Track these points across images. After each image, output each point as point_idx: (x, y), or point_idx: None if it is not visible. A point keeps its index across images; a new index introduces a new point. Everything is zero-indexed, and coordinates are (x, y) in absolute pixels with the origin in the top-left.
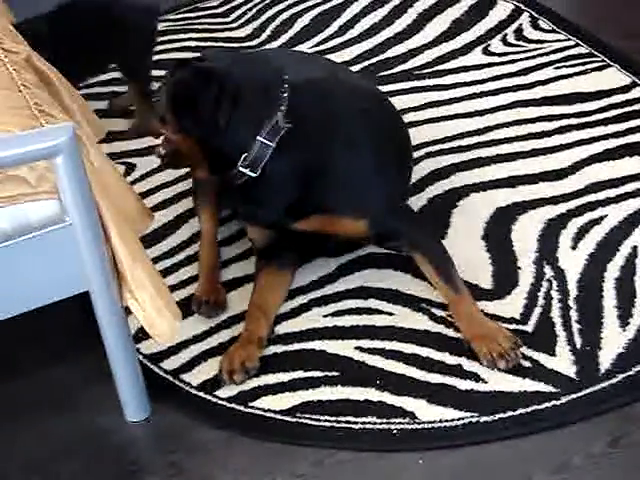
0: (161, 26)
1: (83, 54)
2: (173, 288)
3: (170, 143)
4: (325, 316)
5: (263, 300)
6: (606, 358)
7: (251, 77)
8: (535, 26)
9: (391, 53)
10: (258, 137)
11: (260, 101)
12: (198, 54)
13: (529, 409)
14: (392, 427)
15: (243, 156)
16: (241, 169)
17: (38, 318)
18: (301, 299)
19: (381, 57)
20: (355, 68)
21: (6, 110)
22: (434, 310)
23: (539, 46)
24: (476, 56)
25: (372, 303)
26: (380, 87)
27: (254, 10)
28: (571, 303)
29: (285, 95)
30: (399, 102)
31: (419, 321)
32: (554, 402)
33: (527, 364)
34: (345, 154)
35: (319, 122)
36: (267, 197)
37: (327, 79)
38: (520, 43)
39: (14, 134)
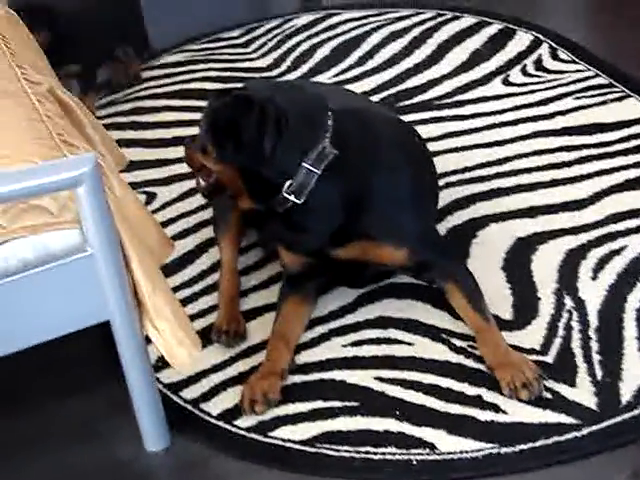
0: (182, 56)
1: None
2: (193, 317)
3: (210, 174)
4: (345, 346)
5: (286, 330)
6: (627, 389)
7: (295, 103)
8: (554, 57)
9: (411, 83)
10: (304, 163)
11: (305, 127)
12: (225, 84)
13: (550, 441)
14: (412, 458)
15: (288, 183)
16: (286, 196)
17: (58, 347)
18: (321, 329)
19: (401, 87)
20: (375, 98)
21: (30, 140)
22: (454, 340)
23: (559, 77)
24: (496, 86)
25: (392, 333)
26: (400, 117)
27: (274, 40)
28: (591, 334)
29: (330, 122)
30: (420, 132)
31: (439, 351)
32: (575, 434)
33: (548, 395)
34: (387, 182)
35: (362, 149)
36: (311, 224)
37: (362, 108)
38: (539, 74)
39: (37, 164)
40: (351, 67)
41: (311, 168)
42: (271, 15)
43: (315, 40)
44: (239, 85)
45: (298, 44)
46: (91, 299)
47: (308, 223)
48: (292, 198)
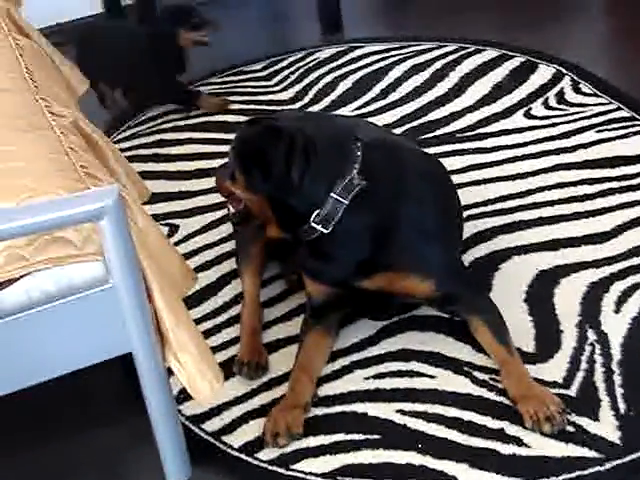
0: (206, 89)
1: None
2: (215, 349)
3: (239, 202)
4: (367, 378)
5: (309, 362)
6: None
7: (323, 134)
8: (576, 90)
9: (433, 116)
10: (332, 193)
11: (334, 157)
12: (247, 117)
13: (573, 475)
14: None
15: (316, 212)
16: (314, 225)
17: (81, 379)
18: (342, 361)
19: (423, 120)
20: (397, 131)
21: (54, 173)
22: (476, 373)
23: (581, 110)
24: (518, 119)
25: (414, 366)
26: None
27: (297, 73)
28: (614, 367)
29: (358, 152)
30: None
31: (461, 384)
32: (598, 468)
33: (570, 429)
34: (414, 213)
35: (390, 181)
36: (337, 253)
37: (388, 139)
38: (562, 107)
39: (61, 197)
40: (373, 100)
41: (339, 198)
42: (293, 48)
43: (337, 73)
44: (270, 114)
45: (320, 77)
46: (113, 331)
47: (334, 253)
48: (319, 227)
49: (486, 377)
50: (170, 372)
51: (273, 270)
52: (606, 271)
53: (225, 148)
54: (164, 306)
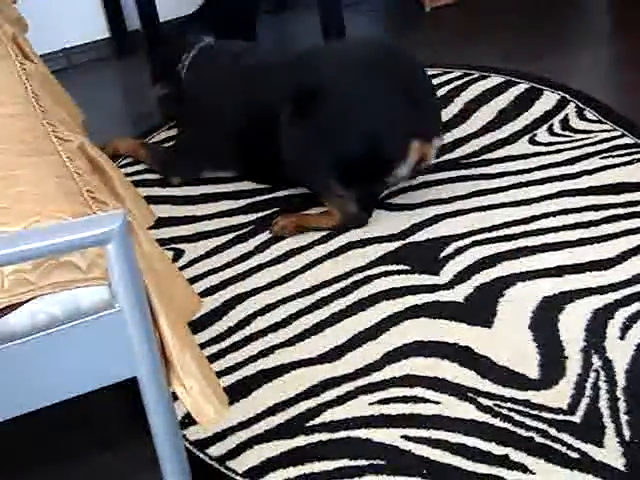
0: None
1: None
2: (220, 374)
3: None
4: (371, 404)
5: None
6: None
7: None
8: (581, 116)
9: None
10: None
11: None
12: None
13: None
14: None
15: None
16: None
17: (85, 403)
18: (347, 386)
19: None
20: None
21: (60, 197)
22: (481, 399)
23: (585, 136)
24: (522, 145)
25: (418, 391)
26: (427, 175)
27: None
28: (619, 394)
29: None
30: (447, 190)
31: (466, 410)
32: None
33: (575, 455)
34: None
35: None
36: None
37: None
38: (566, 133)
39: (67, 221)
40: None
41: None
42: None
43: None
44: None
45: None
46: (118, 355)
47: None
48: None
49: (490, 403)
50: (175, 397)
51: (278, 295)
52: (611, 297)
53: (229, 173)
54: (169, 330)
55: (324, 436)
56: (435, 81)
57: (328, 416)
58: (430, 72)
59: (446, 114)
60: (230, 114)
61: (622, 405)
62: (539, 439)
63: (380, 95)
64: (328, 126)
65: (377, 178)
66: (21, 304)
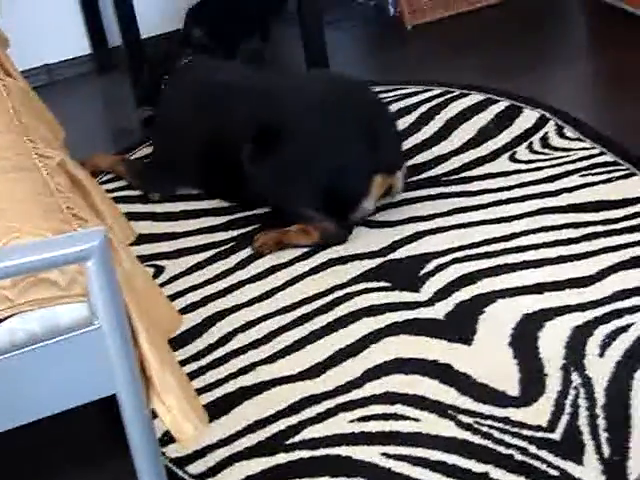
0: None
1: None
2: (200, 391)
3: None
4: (351, 421)
5: None
6: (635, 468)
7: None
8: (561, 134)
9: (419, 159)
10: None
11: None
12: None
13: None
14: None
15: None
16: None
17: (64, 421)
18: (327, 404)
19: (409, 163)
20: None
21: (40, 214)
22: (461, 417)
23: (565, 154)
24: (503, 163)
25: (398, 409)
26: (408, 193)
27: None
28: (599, 411)
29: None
30: (427, 208)
31: (445, 427)
32: None
33: (555, 473)
34: None
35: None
36: None
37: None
38: (546, 151)
39: (47, 238)
40: None
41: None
42: None
43: None
44: None
45: None
46: (98, 373)
47: None
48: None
49: (470, 420)
50: (154, 414)
51: (256, 313)
52: (590, 315)
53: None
54: (149, 348)
55: (304, 453)
56: (416, 99)
57: (308, 433)
58: (411, 90)
59: (426, 132)
60: (196, 136)
61: (602, 423)
62: (519, 456)
63: (341, 133)
64: (291, 165)
65: (344, 212)
66: (0, 321)
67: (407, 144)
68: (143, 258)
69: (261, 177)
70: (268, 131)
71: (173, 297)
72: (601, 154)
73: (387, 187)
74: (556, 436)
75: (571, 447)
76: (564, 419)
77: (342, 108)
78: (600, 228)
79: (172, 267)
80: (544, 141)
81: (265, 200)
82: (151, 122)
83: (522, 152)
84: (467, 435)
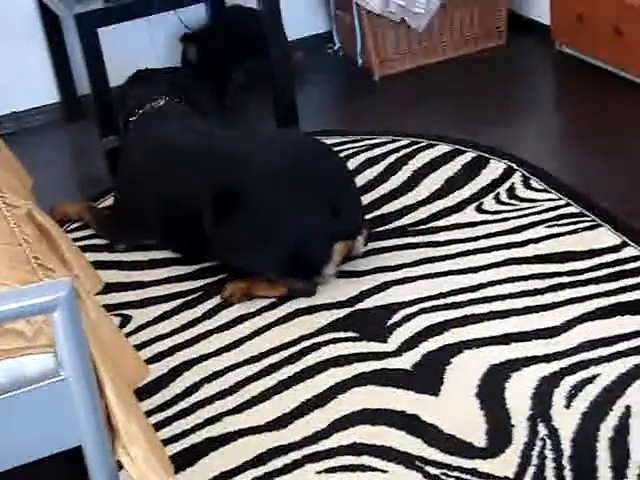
0: None
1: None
2: (166, 442)
3: None
4: (318, 472)
5: None
6: None
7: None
8: (527, 185)
9: (386, 209)
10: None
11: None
12: None
13: None
14: None
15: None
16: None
17: (28, 472)
18: (294, 455)
19: (376, 213)
20: None
21: (6, 264)
22: (428, 468)
23: (531, 205)
24: (469, 214)
25: (365, 460)
26: (375, 243)
27: None
28: (565, 462)
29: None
30: (394, 258)
31: (413, 479)
32: None
33: None
34: None
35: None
36: None
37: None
38: (513, 202)
39: (13, 288)
40: None
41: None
42: None
43: None
44: None
45: None
46: (63, 424)
47: None
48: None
49: (438, 472)
50: (120, 465)
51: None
52: (557, 366)
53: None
54: (115, 398)
55: None
56: (384, 149)
57: None
58: (379, 140)
59: (394, 182)
60: (155, 193)
61: (568, 474)
62: None
63: (302, 200)
64: (251, 233)
65: (306, 276)
66: None
67: (375, 194)
68: (110, 307)
69: (222, 244)
70: (228, 196)
71: (140, 347)
72: (567, 205)
73: (347, 252)
74: None
75: None
76: (531, 470)
77: (303, 174)
78: (566, 279)
79: (139, 316)
80: (511, 192)
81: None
82: (115, 153)
83: (489, 203)
84: None
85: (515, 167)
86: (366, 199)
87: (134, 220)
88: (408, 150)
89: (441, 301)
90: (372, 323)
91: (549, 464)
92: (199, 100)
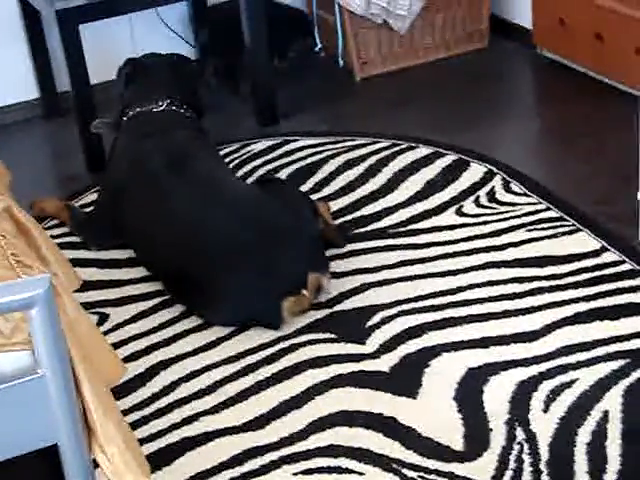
0: None
1: None
2: (143, 441)
3: None
4: (295, 474)
5: None
6: None
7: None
8: (507, 189)
9: (366, 211)
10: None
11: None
12: None
13: None
14: None
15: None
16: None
17: (2, 471)
18: (271, 456)
19: (355, 215)
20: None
21: None
22: (405, 471)
23: (511, 209)
24: (449, 217)
25: (343, 462)
26: (355, 244)
27: (231, 165)
28: (542, 467)
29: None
30: (374, 260)
31: None
32: None
33: None
34: None
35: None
36: None
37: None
38: (492, 205)
39: None
40: (307, 193)
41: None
42: (229, 140)
43: (272, 165)
44: None
45: (255, 169)
46: (39, 422)
47: None
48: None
49: (415, 475)
50: (96, 464)
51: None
52: (535, 370)
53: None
54: (92, 397)
55: None
56: (364, 150)
57: None
58: (359, 141)
59: (374, 184)
60: (130, 198)
61: (545, 479)
62: None
63: (237, 271)
64: (206, 286)
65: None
66: None
67: (355, 196)
68: (87, 305)
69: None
70: (183, 255)
71: (117, 345)
72: (547, 209)
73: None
74: None
75: None
76: (508, 474)
77: (239, 243)
78: (545, 283)
79: (117, 315)
80: (491, 195)
81: None
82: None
83: (469, 206)
84: None
85: (495, 170)
86: (345, 201)
87: (111, 225)
88: (388, 152)
89: (420, 304)
90: (351, 325)
91: (527, 468)
92: (199, 101)
